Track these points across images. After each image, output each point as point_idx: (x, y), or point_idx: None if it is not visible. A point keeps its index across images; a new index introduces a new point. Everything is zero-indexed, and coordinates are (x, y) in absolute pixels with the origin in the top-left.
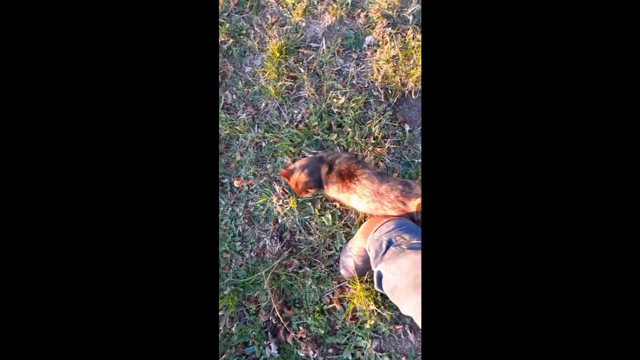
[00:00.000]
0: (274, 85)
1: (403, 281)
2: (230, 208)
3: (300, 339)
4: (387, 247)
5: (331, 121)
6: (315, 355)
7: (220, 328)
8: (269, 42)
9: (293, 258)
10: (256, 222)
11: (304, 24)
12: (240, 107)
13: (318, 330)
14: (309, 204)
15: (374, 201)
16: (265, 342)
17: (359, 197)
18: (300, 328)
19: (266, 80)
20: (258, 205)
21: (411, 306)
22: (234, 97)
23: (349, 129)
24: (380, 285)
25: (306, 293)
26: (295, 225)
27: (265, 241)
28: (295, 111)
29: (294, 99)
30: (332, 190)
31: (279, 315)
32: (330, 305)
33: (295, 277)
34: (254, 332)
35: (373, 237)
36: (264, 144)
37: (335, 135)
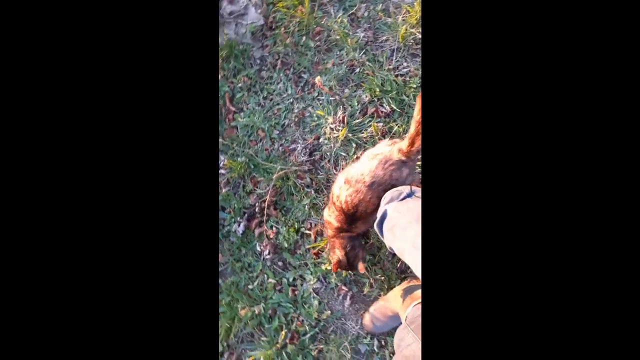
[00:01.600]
0: (406, 29)
1: (406, 218)
2: (291, 100)
3: (266, 237)
4: (405, 197)
5: None
6: (266, 257)
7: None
8: None
9: (308, 175)
10: (302, 126)
11: None
12: (364, 26)
13: (283, 242)
14: (354, 145)
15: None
16: (238, 219)
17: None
18: (272, 229)
19: (404, 20)
20: (314, 114)
21: (409, 236)
22: (366, 14)
23: None
24: (381, 224)
25: (297, 208)
26: (329, 153)
27: (297, 146)
28: (405, 64)
29: (413, 53)
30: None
31: (265, 207)
32: (307, 231)
33: (299, 190)
34: (236, 205)
35: (395, 189)
36: (357, 70)
37: None
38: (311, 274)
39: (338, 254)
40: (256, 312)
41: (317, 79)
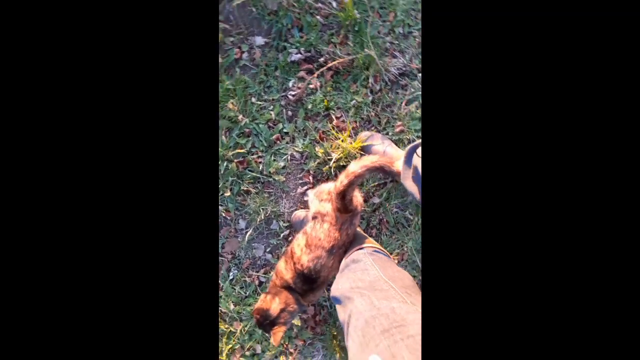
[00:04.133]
0: None
1: None
2: None
3: (306, 85)
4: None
5: None
6: (289, 97)
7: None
8: None
9: (382, 84)
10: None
11: None
12: None
13: (308, 103)
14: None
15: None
16: (302, 49)
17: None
18: (314, 84)
19: None
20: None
21: None
22: None
23: None
24: (414, 150)
25: (345, 96)
26: (414, 89)
27: (402, 59)
28: None
29: None
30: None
31: (327, 67)
32: (335, 118)
33: (365, 86)
34: (313, 38)
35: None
36: None
37: None
38: (303, 145)
39: (273, 305)
40: (239, 118)
41: None
